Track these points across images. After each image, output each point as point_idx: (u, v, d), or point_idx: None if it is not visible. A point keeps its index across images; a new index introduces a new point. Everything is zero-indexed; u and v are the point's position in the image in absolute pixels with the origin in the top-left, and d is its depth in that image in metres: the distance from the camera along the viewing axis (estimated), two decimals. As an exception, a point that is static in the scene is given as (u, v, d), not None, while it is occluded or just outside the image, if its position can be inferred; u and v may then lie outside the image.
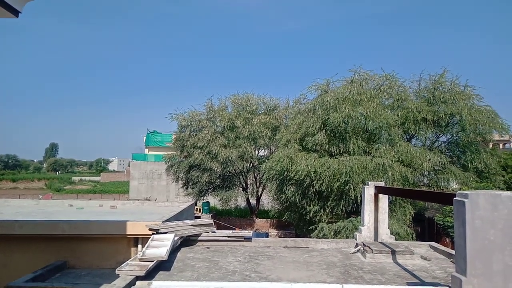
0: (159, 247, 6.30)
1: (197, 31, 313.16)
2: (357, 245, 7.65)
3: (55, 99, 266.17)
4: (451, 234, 18.70)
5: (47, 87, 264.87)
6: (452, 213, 5.65)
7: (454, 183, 17.58)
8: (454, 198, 4.43)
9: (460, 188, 16.42)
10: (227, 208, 33.50)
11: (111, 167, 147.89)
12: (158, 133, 48.93)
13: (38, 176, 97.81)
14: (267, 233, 29.21)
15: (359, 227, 8.04)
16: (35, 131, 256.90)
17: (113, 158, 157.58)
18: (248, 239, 8.14)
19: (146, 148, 49.82)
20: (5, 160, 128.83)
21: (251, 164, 28.96)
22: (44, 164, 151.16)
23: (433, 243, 8.24)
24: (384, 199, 7.82)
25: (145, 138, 49.80)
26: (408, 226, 15.84)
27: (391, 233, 8.10)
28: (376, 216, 7.78)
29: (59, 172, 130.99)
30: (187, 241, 7.91)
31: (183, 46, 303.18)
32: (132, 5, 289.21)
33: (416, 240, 13.85)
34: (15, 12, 5.22)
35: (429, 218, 23.68)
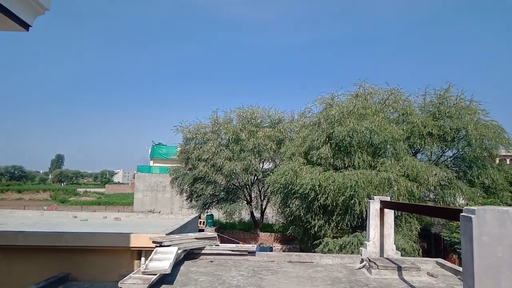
0: (162, 260, 6.27)
1: (202, 43, 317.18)
2: (362, 260, 7.55)
3: (62, 110, 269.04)
4: (458, 250, 18.41)
5: (55, 98, 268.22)
6: (459, 229, 5.58)
7: (461, 198, 17.38)
8: (461, 214, 4.38)
9: (467, 204, 16.22)
10: (231, 221, 33.30)
11: (116, 179, 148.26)
12: (163, 145, 49.13)
13: (43, 187, 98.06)
14: (271, 247, 28.92)
15: (365, 242, 7.95)
16: (41, 143, 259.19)
17: (118, 170, 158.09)
18: (252, 253, 8.07)
19: (151, 160, 49.97)
20: (11, 171, 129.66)
21: (256, 177, 28.89)
22: (50, 175, 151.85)
23: (440, 260, 8.11)
24: (389, 214, 7.75)
25: (150, 150, 50.03)
26: (414, 242, 15.61)
27: (397, 248, 8.00)
28: (381, 231, 7.69)
29: (64, 183, 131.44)
30: (190, 255, 7.86)
31: (188, 59, 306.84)
32: (138, 16, 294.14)
33: (423, 256, 13.64)
34: (26, 26, 5.35)
35: (436, 234, 23.38)
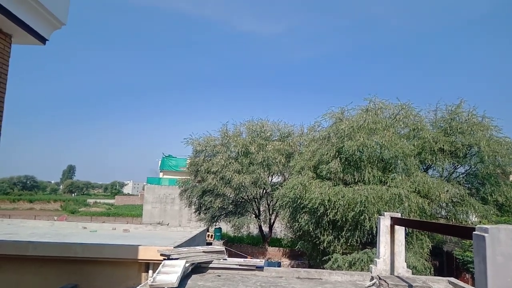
0: (170, 274, 6.24)
1: (213, 58, 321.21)
2: (372, 278, 7.41)
3: (74, 121, 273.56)
4: (471, 269, 17.95)
5: (68, 109, 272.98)
6: (472, 248, 5.46)
7: (474, 216, 17.03)
8: (474, 232, 4.29)
9: (480, 222, 15.88)
10: (239, 235, 33.10)
11: (125, 190, 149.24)
12: (173, 157, 49.47)
13: (54, 197, 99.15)
14: (280, 262, 28.61)
15: (375, 259, 7.81)
16: (54, 153, 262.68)
17: (128, 181, 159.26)
18: (259, 268, 8.00)
19: (160, 172, 50.30)
20: (23, 181, 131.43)
21: (264, 191, 28.77)
22: (61, 186, 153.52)
23: (453, 279, 7.93)
24: (400, 231, 7.62)
25: (160, 162, 50.38)
26: (426, 260, 15.30)
27: (408, 266, 7.85)
28: (392, 248, 7.56)
29: (75, 194, 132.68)
30: (198, 268, 7.82)
31: (199, 73, 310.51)
32: (149, 31, 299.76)
33: (434, 275, 13.33)
34: (43, 40, 5.50)
35: (448, 252, 22.87)
